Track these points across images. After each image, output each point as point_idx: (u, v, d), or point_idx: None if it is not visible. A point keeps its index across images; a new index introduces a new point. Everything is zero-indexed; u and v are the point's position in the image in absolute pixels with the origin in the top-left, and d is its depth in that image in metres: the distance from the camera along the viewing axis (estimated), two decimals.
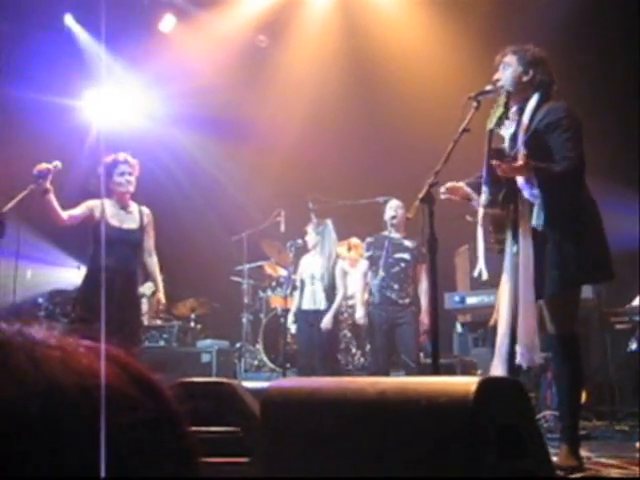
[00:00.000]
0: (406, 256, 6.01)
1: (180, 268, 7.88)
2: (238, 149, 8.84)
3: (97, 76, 8.24)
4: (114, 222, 4.94)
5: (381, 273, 5.92)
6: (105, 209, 4.94)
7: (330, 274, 6.46)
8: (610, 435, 4.92)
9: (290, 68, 8.50)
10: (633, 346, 6.09)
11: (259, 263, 8.14)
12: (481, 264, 3.53)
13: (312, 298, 6.43)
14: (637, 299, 6.20)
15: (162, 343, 7.41)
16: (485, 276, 3.53)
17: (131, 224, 5.03)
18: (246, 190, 8.88)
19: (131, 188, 5.04)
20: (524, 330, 3.20)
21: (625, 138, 7.45)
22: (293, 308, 6.69)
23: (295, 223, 7.79)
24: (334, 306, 6.40)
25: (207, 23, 8.45)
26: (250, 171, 8.79)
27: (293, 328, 6.80)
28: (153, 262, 5.18)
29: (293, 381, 2.16)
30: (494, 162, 3.16)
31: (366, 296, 6.25)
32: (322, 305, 6.38)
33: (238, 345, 7.72)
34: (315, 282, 6.46)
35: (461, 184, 3.43)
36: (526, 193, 3.26)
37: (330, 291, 6.42)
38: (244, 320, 7.77)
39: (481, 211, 3.43)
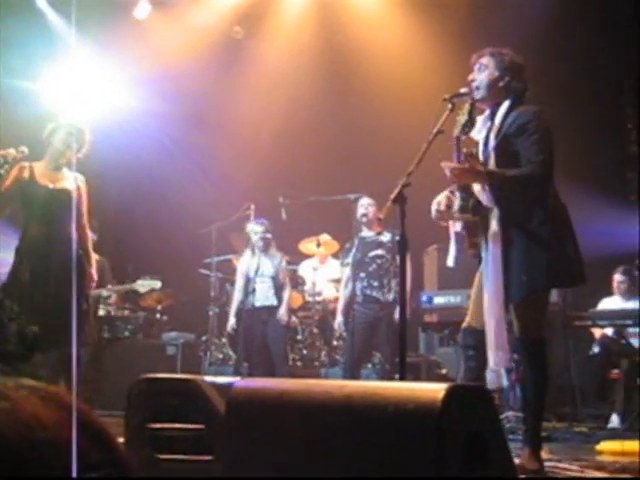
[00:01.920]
0: (381, 252, 6.04)
1: (147, 259, 7.81)
2: (210, 140, 8.77)
3: (68, 61, 8.10)
4: (45, 182, 4.53)
5: (360, 274, 6.04)
6: (34, 170, 4.57)
7: (280, 275, 6.66)
8: (570, 437, 4.99)
9: (266, 61, 8.45)
10: (595, 349, 6.19)
11: (227, 256, 8.09)
12: (452, 251, 3.52)
13: (264, 295, 6.57)
14: (602, 303, 6.30)
15: (127, 334, 7.32)
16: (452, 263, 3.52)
17: (64, 185, 4.58)
18: (217, 183, 8.81)
19: (69, 153, 4.65)
20: (496, 334, 3.22)
21: (598, 143, 7.55)
22: (235, 307, 6.69)
23: (265, 218, 7.76)
24: (284, 306, 6.57)
25: (183, 11, 8.35)
26: (222, 164, 8.72)
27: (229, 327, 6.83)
28: (86, 233, 4.68)
29: (259, 381, 2.15)
30: (444, 164, 3.19)
31: (342, 302, 6.32)
32: (274, 301, 6.57)
33: (204, 338, 7.67)
34: (265, 280, 6.57)
35: (447, 211, 3.41)
36: (483, 199, 3.27)
37: (279, 289, 6.61)
38: (211, 313, 7.72)
39: (454, 217, 3.44)
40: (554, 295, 5.43)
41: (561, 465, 3.40)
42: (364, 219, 6.08)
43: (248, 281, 6.63)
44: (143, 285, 6.98)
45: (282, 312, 6.55)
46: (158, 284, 7.08)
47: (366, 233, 6.12)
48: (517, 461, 3.13)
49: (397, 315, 5.82)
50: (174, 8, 8.38)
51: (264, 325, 6.48)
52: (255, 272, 6.57)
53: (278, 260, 6.69)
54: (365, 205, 6.11)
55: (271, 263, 6.63)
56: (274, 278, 6.59)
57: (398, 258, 5.88)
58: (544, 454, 3.39)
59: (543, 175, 3.27)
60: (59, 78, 8.29)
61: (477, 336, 3.37)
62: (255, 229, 6.67)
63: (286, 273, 6.78)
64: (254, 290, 6.55)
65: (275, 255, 6.71)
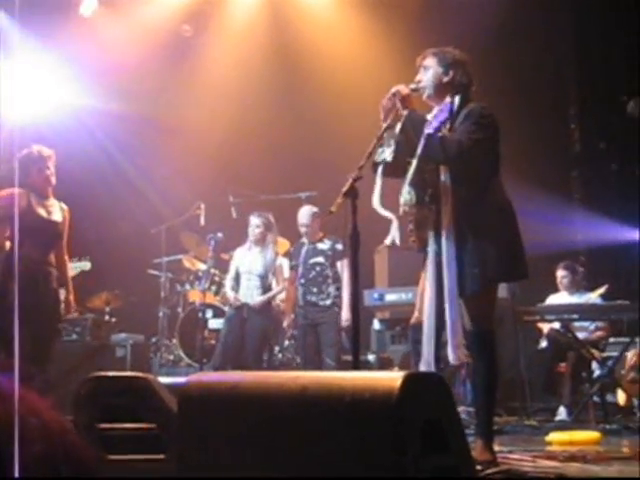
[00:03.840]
0: (320, 259, 6.14)
1: (95, 260, 7.64)
2: (159, 139, 8.64)
3: (10, 57, 7.88)
4: (42, 212, 4.84)
5: (302, 280, 6.12)
6: (30, 198, 4.80)
7: (270, 273, 6.47)
8: (520, 430, 5.07)
9: (215, 59, 8.37)
10: (543, 344, 6.30)
11: (178, 256, 7.99)
12: (394, 231, 3.51)
13: (248, 293, 6.39)
14: (549, 299, 6.41)
15: (75, 337, 7.15)
16: (398, 241, 3.52)
17: (56, 216, 4.94)
18: (166, 182, 8.70)
19: (52, 180, 4.92)
20: (451, 328, 3.24)
21: (543, 142, 7.70)
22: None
23: (215, 217, 7.69)
24: (269, 293, 6.42)
25: (130, 8, 8.21)
26: (171, 163, 8.61)
27: (215, 323, 6.71)
28: (65, 260, 5.08)
29: (213, 376, 2.11)
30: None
31: (289, 302, 6.33)
32: (257, 300, 6.38)
33: (154, 340, 7.57)
34: (252, 278, 6.41)
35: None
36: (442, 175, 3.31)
37: (267, 288, 6.43)
38: (160, 314, 7.62)
39: (401, 209, 3.45)
40: (503, 290, 5.51)
41: (513, 456, 3.45)
42: (303, 229, 6.15)
43: (238, 276, 6.51)
44: (73, 268, 6.77)
45: (259, 298, 6.37)
46: (88, 265, 6.88)
47: (305, 240, 6.19)
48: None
49: (343, 322, 5.97)
50: (121, 5, 8.23)
51: (243, 322, 6.33)
52: (244, 268, 6.45)
53: (270, 258, 6.47)
54: (304, 221, 6.16)
55: (262, 261, 6.42)
56: (262, 277, 6.40)
57: (338, 263, 6.04)
58: (496, 446, 3.43)
59: (472, 151, 3.26)
60: (2, 75, 8.07)
61: None
62: (252, 222, 6.46)
63: (279, 271, 6.56)
64: (239, 287, 6.44)
65: (268, 252, 6.46)
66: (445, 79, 3.45)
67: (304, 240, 6.23)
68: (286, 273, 6.75)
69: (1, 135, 7.57)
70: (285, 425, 1.67)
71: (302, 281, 6.14)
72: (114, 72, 7.98)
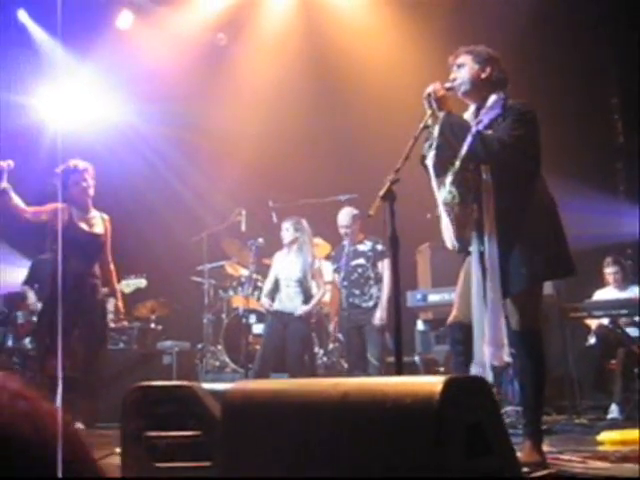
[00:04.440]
0: (361, 261, 6.13)
1: (140, 269, 7.75)
2: (198, 147, 8.74)
3: (52, 73, 8.07)
4: (84, 226, 4.99)
5: (344, 282, 6.14)
6: (72, 213, 4.89)
7: (309, 276, 6.40)
8: (570, 429, 4.98)
9: (250, 66, 8.43)
10: (592, 340, 6.18)
11: (220, 263, 8.06)
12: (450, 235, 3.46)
13: (288, 300, 6.34)
14: (596, 294, 6.29)
15: (122, 345, 7.27)
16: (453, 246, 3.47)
17: (97, 229, 5.09)
18: (207, 189, 8.78)
19: (90, 192, 5.01)
20: (492, 328, 3.20)
21: (586, 135, 7.56)
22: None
23: (256, 222, 7.73)
24: (313, 301, 6.37)
25: (165, 20, 8.33)
26: (210, 170, 8.70)
27: (259, 328, 6.72)
28: (111, 269, 5.22)
29: (255, 383, 2.12)
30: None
31: (335, 305, 6.32)
32: (297, 307, 6.31)
33: (199, 346, 7.64)
34: (290, 284, 6.37)
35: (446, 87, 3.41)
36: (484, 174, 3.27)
37: (307, 294, 6.37)
38: (205, 321, 7.69)
39: (441, 208, 3.42)
40: (549, 287, 5.43)
41: (563, 457, 3.38)
42: (344, 231, 6.15)
43: (277, 281, 6.51)
44: (128, 285, 6.90)
45: (303, 307, 6.30)
46: (143, 282, 6.99)
47: (346, 243, 6.17)
48: (518, 455, 3.11)
49: (376, 320, 5.95)
50: (157, 16, 8.35)
51: (284, 328, 6.32)
52: (282, 274, 6.41)
53: (307, 261, 6.39)
54: (344, 218, 6.14)
55: (299, 265, 6.36)
56: (301, 282, 6.35)
57: (379, 263, 6.01)
58: (545, 447, 3.38)
59: (518, 149, 3.24)
60: (45, 90, 8.26)
61: (466, 331, 3.36)
62: (283, 226, 6.46)
63: (317, 274, 6.47)
64: (279, 293, 6.41)
65: (304, 256, 6.39)
66: (482, 75, 3.43)
67: (345, 242, 6.22)
68: (327, 276, 6.74)
69: (44, 149, 7.76)
70: (326, 432, 1.67)
71: (345, 283, 6.14)
72: (151, 82, 8.09)
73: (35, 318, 5.98)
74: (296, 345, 6.25)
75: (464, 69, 3.45)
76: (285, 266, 6.42)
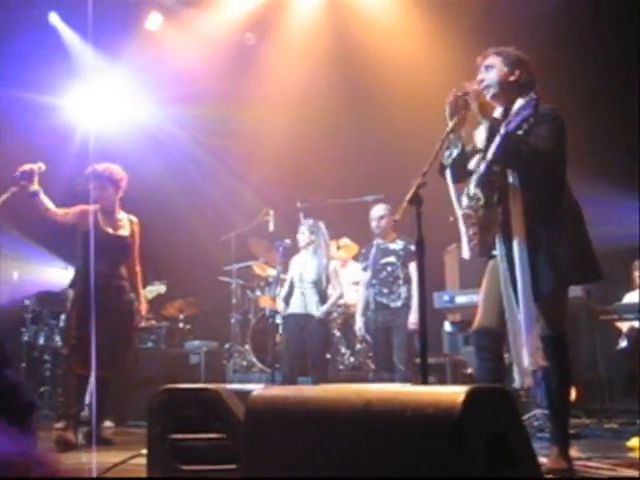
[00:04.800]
0: (392, 259, 6.07)
1: (168, 269, 7.82)
2: (226, 148, 8.78)
3: (83, 75, 8.17)
4: (107, 228, 5.03)
5: (373, 281, 6.07)
6: (98, 216, 4.99)
7: (324, 278, 6.36)
8: (600, 434, 4.92)
9: (278, 65, 8.44)
10: (622, 343, 6.10)
11: (248, 263, 8.09)
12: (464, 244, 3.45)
13: (302, 302, 6.31)
14: (626, 297, 6.20)
15: (150, 344, 7.35)
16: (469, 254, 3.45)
17: (123, 231, 5.12)
18: (234, 190, 8.83)
19: (115, 196, 5.04)
20: (527, 332, 3.17)
21: (612, 135, 7.45)
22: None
23: (284, 222, 7.75)
24: (329, 303, 6.35)
25: (194, 21, 8.38)
26: (238, 170, 8.74)
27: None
28: (136, 271, 5.24)
29: (277, 389, 2.12)
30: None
31: (361, 305, 6.27)
32: (314, 310, 6.27)
33: (227, 346, 7.68)
34: (305, 285, 6.34)
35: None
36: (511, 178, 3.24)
37: (323, 295, 6.34)
38: (233, 321, 7.73)
39: (460, 212, 3.40)
40: (578, 289, 5.36)
41: (591, 464, 3.34)
42: (377, 230, 6.11)
43: (292, 284, 6.48)
44: (150, 291, 6.98)
45: (322, 309, 6.28)
46: (163, 288, 7.05)
47: (379, 240, 6.14)
48: (545, 461, 3.08)
49: (410, 320, 5.90)
50: (185, 18, 8.41)
51: (301, 331, 6.32)
52: (298, 276, 6.39)
53: (322, 263, 6.36)
54: (376, 214, 6.12)
55: (315, 267, 6.34)
56: (316, 283, 6.32)
57: (410, 264, 5.96)
58: (573, 452, 3.34)
59: (551, 155, 3.22)
60: (76, 92, 8.37)
61: (492, 336, 3.33)
62: (300, 229, 6.45)
63: (333, 275, 6.42)
64: (294, 295, 6.38)
65: (321, 258, 6.36)
66: (511, 78, 3.40)
67: (375, 241, 6.17)
68: (355, 277, 6.72)
69: (74, 150, 7.86)
70: (348, 439, 1.67)
71: (373, 282, 6.09)
72: (179, 83, 8.15)
73: None
74: (315, 346, 6.24)
75: (493, 71, 3.43)
76: (300, 268, 6.42)
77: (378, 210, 6.15)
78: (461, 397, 1.49)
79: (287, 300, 6.45)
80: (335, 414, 1.67)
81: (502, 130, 3.21)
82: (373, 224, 6.14)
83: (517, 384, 3.26)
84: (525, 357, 3.18)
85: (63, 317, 6.97)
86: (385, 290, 6.06)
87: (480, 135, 3.42)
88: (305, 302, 6.30)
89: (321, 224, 6.46)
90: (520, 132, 3.21)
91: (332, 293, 6.44)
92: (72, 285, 5.24)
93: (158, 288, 6.81)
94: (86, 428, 4.90)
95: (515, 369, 3.24)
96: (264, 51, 8.54)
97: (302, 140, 8.26)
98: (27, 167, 4.78)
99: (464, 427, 1.48)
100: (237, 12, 8.43)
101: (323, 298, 6.34)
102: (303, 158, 8.31)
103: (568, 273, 3.24)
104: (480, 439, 1.52)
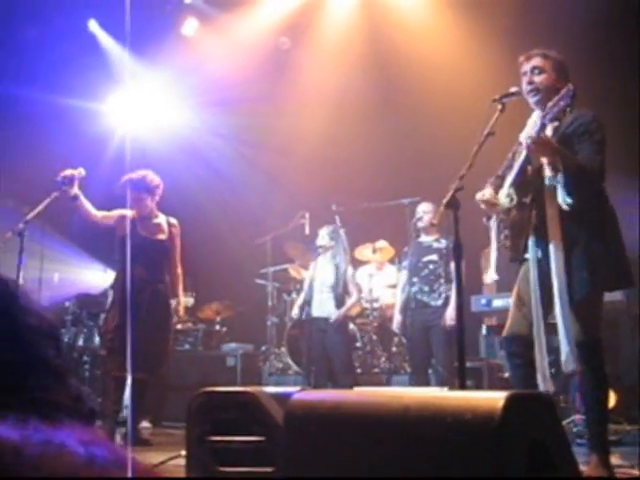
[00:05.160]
0: (434, 257, 6.00)
1: (205, 272, 7.90)
2: (261, 152, 8.83)
3: (120, 80, 8.29)
4: (144, 233, 5.09)
5: (414, 279, 6.02)
6: (135, 221, 5.08)
7: (341, 283, 6.40)
8: None
9: (313, 69, 8.46)
10: None
11: (284, 266, 8.12)
12: (493, 268, 3.46)
13: (321, 306, 6.37)
14: None
15: (187, 347, 7.42)
16: (493, 278, 3.45)
17: (160, 235, 5.17)
18: (271, 193, 8.87)
19: (149, 203, 5.12)
20: (565, 335, 3.13)
21: None
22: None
23: (319, 226, 7.76)
24: (344, 308, 6.36)
25: (229, 26, 8.44)
26: (274, 174, 8.78)
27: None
28: (177, 273, 5.29)
29: (316, 394, 2.13)
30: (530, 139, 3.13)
31: (398, 303, 6.24)
32: (332, 313, 6.32)
33: (263, 348, 7.71)
34: (324, 289, 6.39)
35: (495, 200, 3.35)
36: (548, 179, 3.21)
37: (340, 300, 6.38)
38: (269, 323, 7.75)
39: (495, 216, 3.38)
40: (618, 293, 5.28)
41: (634, 472, 3.28)
42: (419, 224, 6.05)
43: (311, 289, 6.54)
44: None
45: (336, 312, 6.33)
46: (191, 301, 7.14)
47: (423, 238, 6.10)
48: (585, 469, 3.03)
49: (447, 320, 5.83)
50: (220, 23, 8.48)
51: (322, 334, 6.36)
52: (316, 281, 6.42)
53: (342, 268, 6.41)
54: (420, 212, 6.08)
55: (332, 272, 6.39)
56: (333, 287, 6.37)
57: (453, 264, 5.89)
58: (614, 460, 3.28)
59: (600, 174, 3.24)
60: (114, 97, 8.51)
61: (521, 342, 3.30)
62: (320, 234, 6.49)
63: (350, 281, 6.48)
64: (311, 300, 6.43)
65: (339, 263, 6.42)
66: (557, 85, 3.38)
67: (421, 239, 6.09)
68: (391, 279, 6.68)
69: (112, 154, 7.98)
70: (387, 444, 1.67)
71: (414, 280, 6.01)
72: (215, 88, 8.22)
73: None
74: (336, 348, 6.28)
75: (543, 75, 3.40)
76: (318, 272, 6.44)
77: (423, 207, 6.11)
78: (501, 403, 1.48)
79: (303, 307, 6.49)
80: (374, 419, 1.68)
81: (539, 122, 3.20)
82: (415, 220, 6.07)
83: (541, 388, 3.23)
84: (564, 357, 3.15)
85: (102, 318, 7.08)
86: (426, 288, 5.99)
87: (530, 126, 3.39)
88: (323, 306, 6.35)
89: (341, 231, 6.50)
90: (557, 123, 3.20)
91: (349, 298, 6.47)
92: (113, 286, 5.33)
93: (186, 300, 6.89)
94: (124, 429, 4.97)
95: (539, 375, 3.21)
96: (299, 55, 8.57)
97: (337, 144, 8.27)
98: (68, 172, 4.87)
99: (504, 433, 1.47)
100: (272, 16, 8.48)
101: (340, 302, 6.36)
102: (338, 162, 8.31)
103: (604, 278, 3.21)
104: (520, 446, 1.51)
